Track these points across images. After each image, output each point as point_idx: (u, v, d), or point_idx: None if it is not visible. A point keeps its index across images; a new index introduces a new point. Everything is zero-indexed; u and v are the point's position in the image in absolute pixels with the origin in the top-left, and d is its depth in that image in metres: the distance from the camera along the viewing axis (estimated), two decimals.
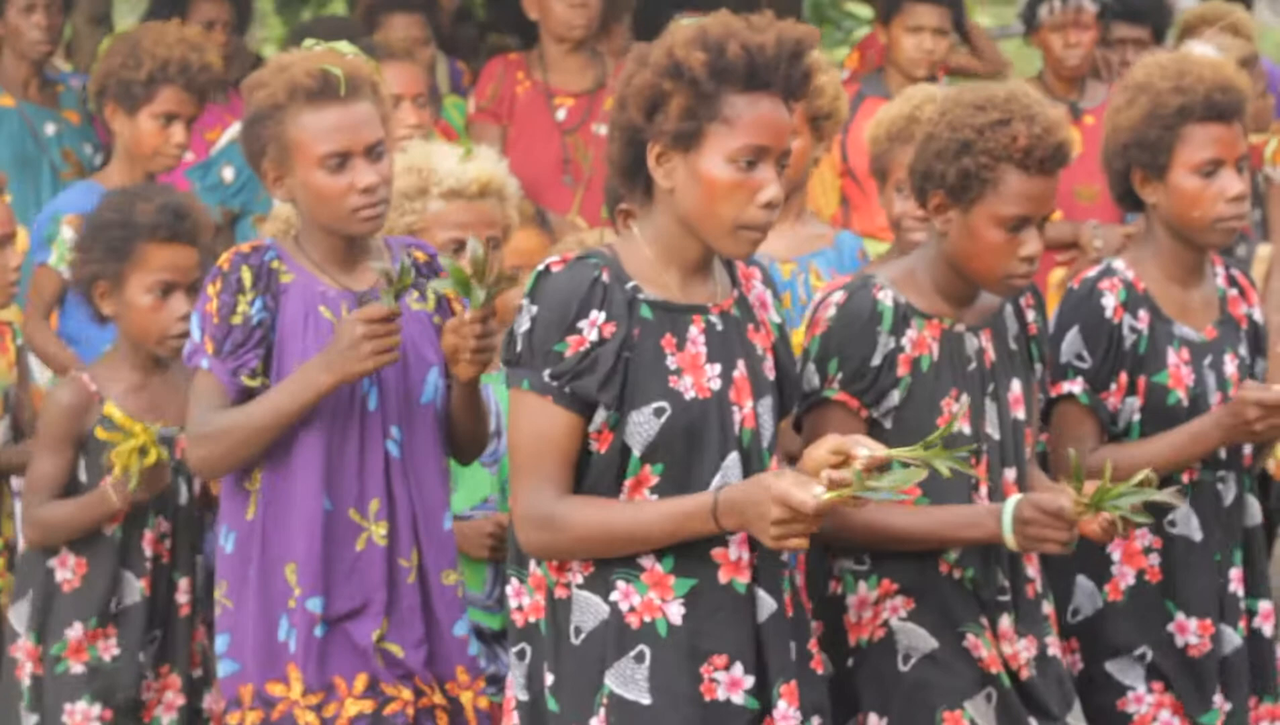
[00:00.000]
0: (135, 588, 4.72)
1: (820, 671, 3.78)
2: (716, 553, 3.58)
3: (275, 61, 4.21)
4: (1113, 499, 3.84)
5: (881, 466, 3.43)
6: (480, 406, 4.26)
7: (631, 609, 3.57)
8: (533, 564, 3.63)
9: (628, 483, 3.57)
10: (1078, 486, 3.86)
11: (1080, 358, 4.35)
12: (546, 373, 3.52)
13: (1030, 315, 4.19)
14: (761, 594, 3.63)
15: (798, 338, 4.08)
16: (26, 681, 4.74)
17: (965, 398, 4.02)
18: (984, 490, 4.03)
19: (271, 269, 4.14)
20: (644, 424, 3.54)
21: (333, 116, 4.10)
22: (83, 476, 4.74)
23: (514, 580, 3.67)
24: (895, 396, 4.01)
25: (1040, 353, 4.21)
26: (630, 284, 3.57)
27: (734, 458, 3.59)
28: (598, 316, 3.52)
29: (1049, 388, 4.34)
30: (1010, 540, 3.90)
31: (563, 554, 3.57)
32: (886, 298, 4.02)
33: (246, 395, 4.12)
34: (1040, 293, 4.25)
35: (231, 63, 7.21)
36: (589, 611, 3.58)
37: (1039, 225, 4.01)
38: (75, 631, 4.69)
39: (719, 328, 3.63)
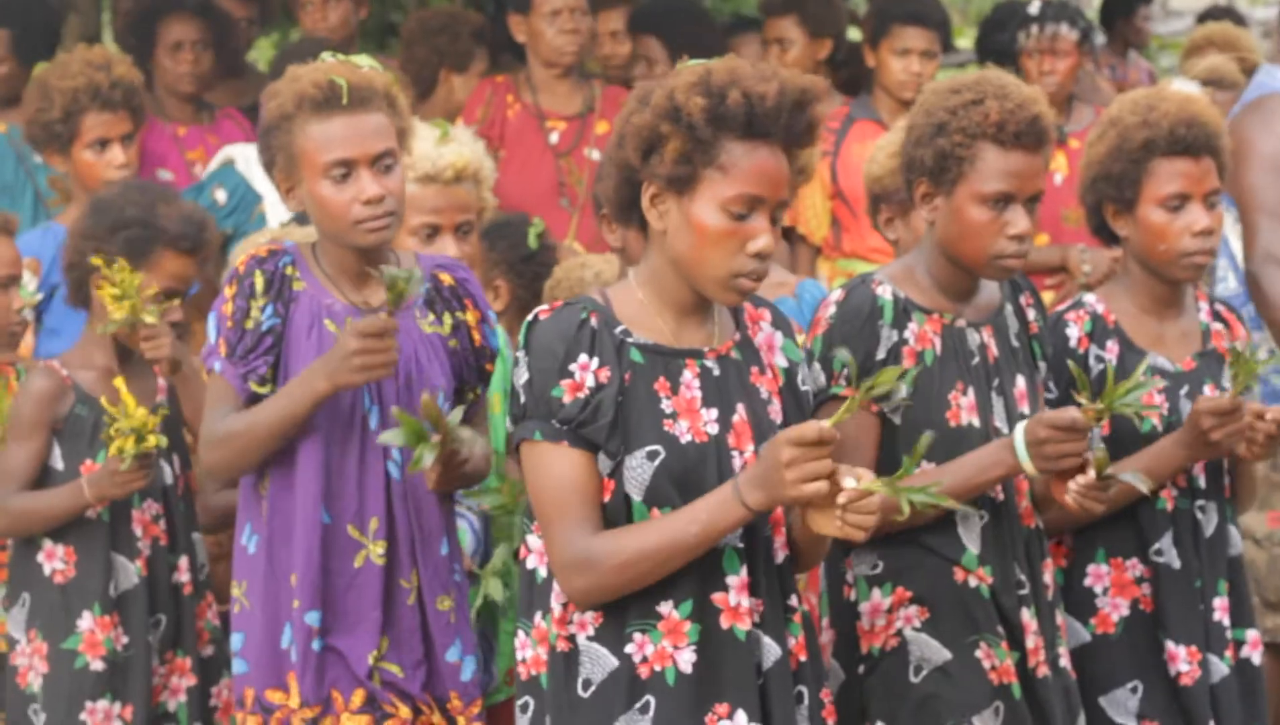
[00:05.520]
0: (130, 571, 4.78)
1: (831, 722, 3.77)
2: (717, 598, 3.57)
3: (290, 72, 4.24)
4: (1121, 399, 3.94)
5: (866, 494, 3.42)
6: (470, 474, 4.28)
7: (644, 659, 3.55)
8: (537, 616, 3.62)
9: None
10: (1088, 394, 3.95)
11: (1048, 388, 4.40)
12: (554, 420, 3.52)
13: (1031, 314, 4.28)
14: (766, 640, 3.61)
15: None
16: (38, 682, 4.77)
17: (971, 389, 4.10)
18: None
19: (285, 275, 4.19)
20: (638, 468, 3.53)
21: (337, 126, 4.14)
22: (58, 464, 4.79)
23: (520, 633, 3.66)
24: (903, 390, 4.08)
25: (1043, 351, 4.30)
26: (619, 328, 3.57)
27: None
28: (589, 361, 3.52)
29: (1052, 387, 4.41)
30: (1028, 466, 3.97)
31: (609, 592, 3.53)
32: (885, 292, 4.10)
33: (256, 401, 4.18)
34: (1038, 292, 4.34)
35: (212, 84, 7.26)
36: (599, 664, 3.57)
37: (1027, 205, 4.08)
38: (86, 622, 4.73)
39: (715, 372, 3.62)
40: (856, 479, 3.39)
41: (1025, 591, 4.14)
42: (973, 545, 4.11)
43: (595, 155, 6.99)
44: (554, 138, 7.09)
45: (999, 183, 4.06)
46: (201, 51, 7.10)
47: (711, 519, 3.47)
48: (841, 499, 3.39)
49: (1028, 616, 4.14)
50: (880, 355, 4.07)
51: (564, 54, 7.09)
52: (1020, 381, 4.20)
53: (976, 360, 4.15)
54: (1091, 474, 3.95)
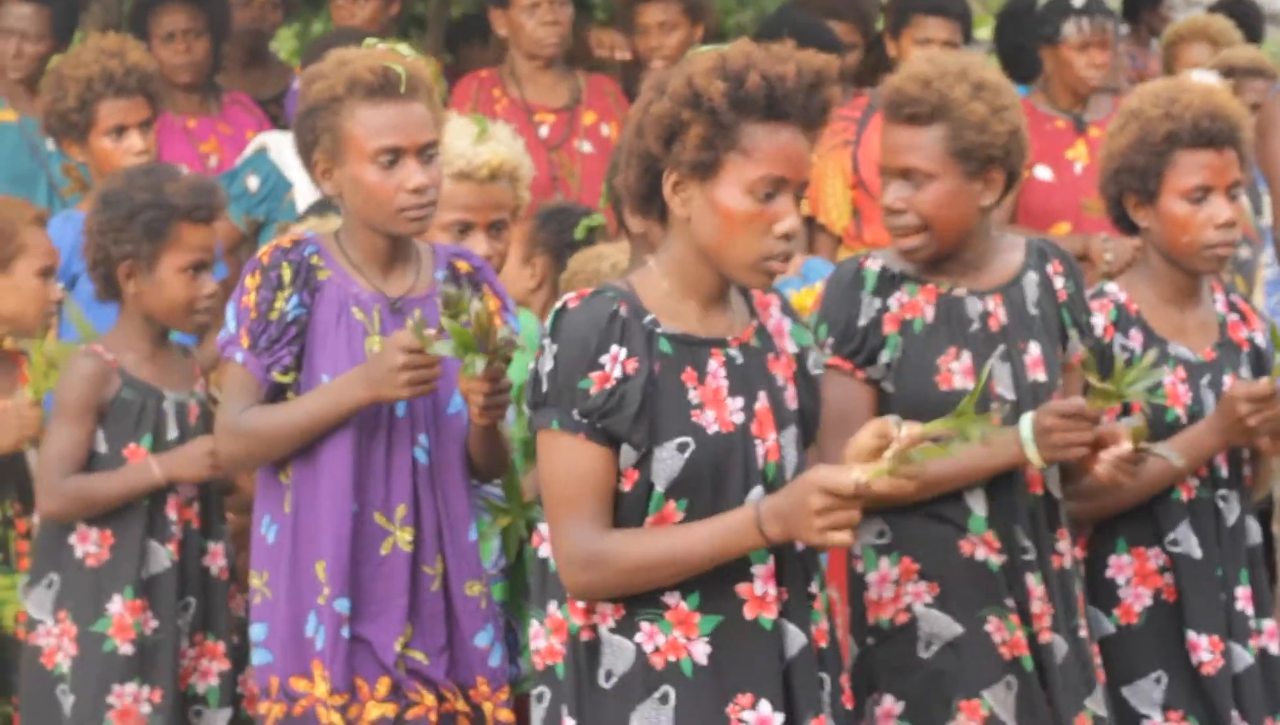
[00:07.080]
0: (163, 554, 4.80)
1: (850, 707, 3.79)
2: (741, 588, 3.57)
3: (335, 56, 4.28)
4: (1130, 384, 3.97)
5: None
6: (498, 442, 4.33)
7: (656, 649, 3.56)
8: (552, 606, 3.63)
9: (649, 519, 3.56)
10: (1097, 377, 3.98)
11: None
12: (575, 411, 3.52)
13: (1059, 282, 4.28)
14: (791, 628, 3.62)
15: None
16: (66, 664, 4.78)
17: (967, 354, 4.12)
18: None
19: (311, 265, 4.23)
20: (668, 460, 3.54)
21: (390, 113, 4.19)
22: (101, 447, 4.81)
23: (534, 622, 3.66)
24: (886, 356, 4.12)
25: (1074, 319, 4.27)
26: (648, 317, 3.57)
27: (758, 492, 3.58)
28: (619, 352, 3.52)
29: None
30: (1034, 456, 4.01)
31: (612, 591, 3.55)
32: (874, 265, 4.18)
33: (278, 391, 4.22)
34: (1073, 261, 4.34)
35: (215, 71, 7.24)
36: (621, 656, 3.58)
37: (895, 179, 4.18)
38: (116, 606, 4.75)
39: (739, 361, 3.63)
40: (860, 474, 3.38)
41: (1030, 557, 4.15)
42: (979, 509, 4.13)
43: (586, 147, 6.99)
44: (544, 131, 7.05)
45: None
46: (195, 40, 7.06)
47: (726, 543, 3.49)
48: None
49: (1033, 582, 4.14)
50: (861, 322, 4.13)
51: (545, 45, 7.05)
52: (1035, 348, 4.20)
53: (975, 327, 4.17)
54: (1127, 446, 3.98)
